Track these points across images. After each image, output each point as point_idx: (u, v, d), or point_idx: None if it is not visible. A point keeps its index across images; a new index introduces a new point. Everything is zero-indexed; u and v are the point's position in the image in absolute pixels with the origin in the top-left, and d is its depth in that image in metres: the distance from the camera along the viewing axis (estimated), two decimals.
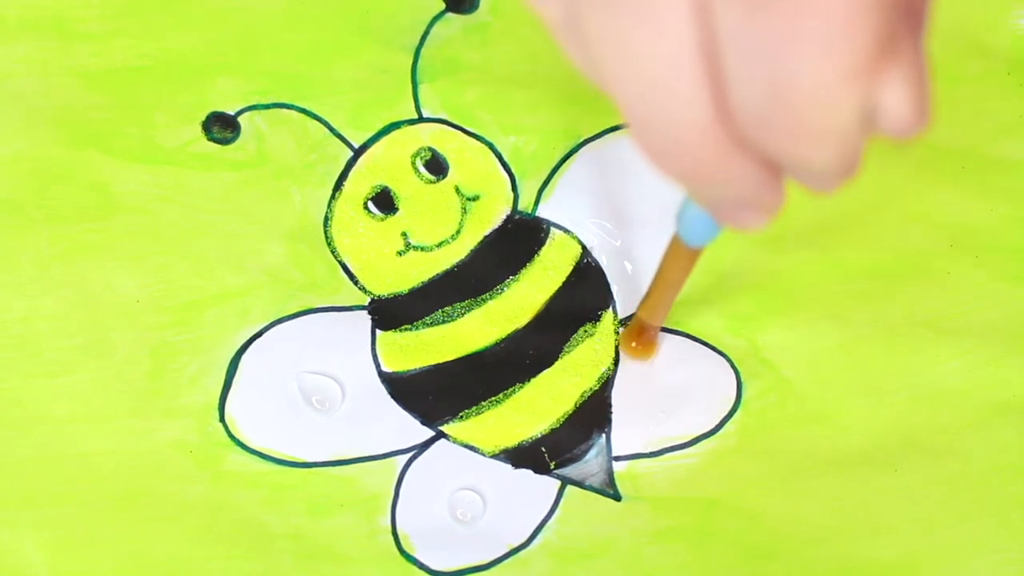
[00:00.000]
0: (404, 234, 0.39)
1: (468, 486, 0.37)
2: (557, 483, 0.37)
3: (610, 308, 0.39)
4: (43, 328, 0.37)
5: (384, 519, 0.36)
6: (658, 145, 0.21)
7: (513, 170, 0.40)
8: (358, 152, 0.40)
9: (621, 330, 0.38)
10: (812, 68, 0.19)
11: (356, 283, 0.39)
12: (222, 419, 0.37)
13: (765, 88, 0.19)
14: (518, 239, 0.39)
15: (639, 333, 0.37)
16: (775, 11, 0.18)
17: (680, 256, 0.33)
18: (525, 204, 0.40)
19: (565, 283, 0.39)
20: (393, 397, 0.38)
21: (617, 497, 0.37)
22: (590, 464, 0.37)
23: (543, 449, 0.37)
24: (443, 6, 0.41)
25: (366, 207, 0.39)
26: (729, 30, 0.19)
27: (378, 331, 0.38)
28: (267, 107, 0.40)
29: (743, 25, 0.19)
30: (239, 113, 0.40)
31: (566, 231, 0.39)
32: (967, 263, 0.39)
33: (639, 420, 0.38)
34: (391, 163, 0.39)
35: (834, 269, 0.39)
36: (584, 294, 0.39)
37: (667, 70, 0.20)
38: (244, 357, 0.38)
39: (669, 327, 0.39)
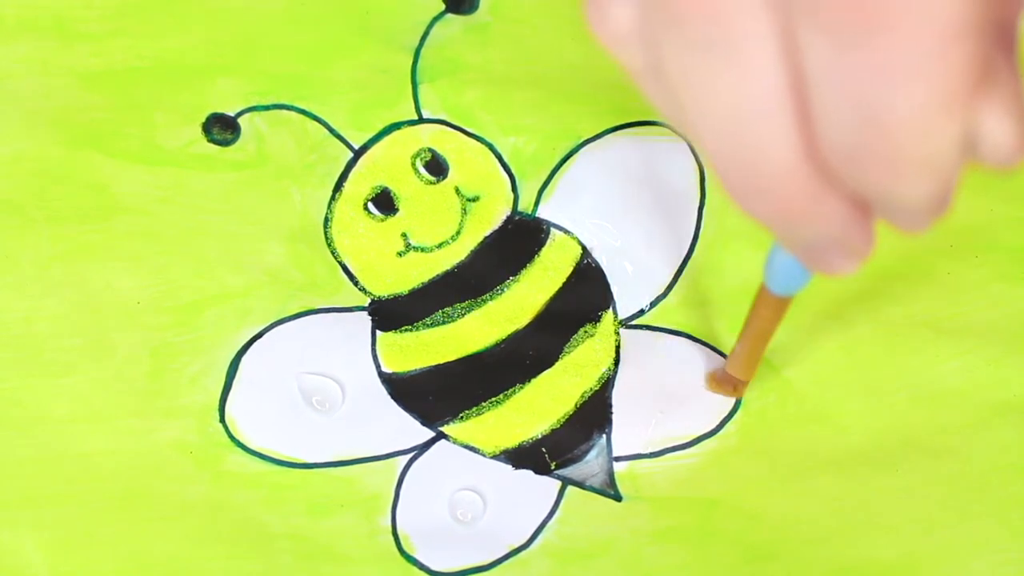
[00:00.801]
0: (404, 235, 0.39)
1: (468, 486, 0.37)
2: (557, 483, 0.37)
3: (610, 308, 0.39)
4: (43, 328, 0.37)
5: (384, 519, 0.36)
6: (747, 187, 0.21)
7: (513, 171, 0.40)
8: (358, 153, 0.40)
9: (707, 373, 0.38)
10: (908, 97, 0.18)
11: (356, 284, 0.39)
12: (222, 419, 0.37)
13: (857, 121, 0.19)
14: (518, 240, 0.39)
15: (729, 385, 0.37)
16: (866, 46, 0.18)
17: (768, 306, 0.33)
18: (525, 205, 0.40)
19: (565, 284, 0.39)
20: (393, 398, 0.38)
21: (617, 497, 0.37)
22: (590, 464, 0.37)
23: (543, 449, 0.37)
24: (443, 6, 0.41)
25: (366, 208, 0.39)
26: (818, 67, 0.19)
27: (378, 332, 0.38)
28: (267, 108, 0.40)
29: (833, 62, 0.18)
30: (239, 114, 0.40)
31: (566, 232, 0.39)
32: (967, 263, 0.39)
33: (639, 420, 0.38)
34: (391, 164, 0.39)
35: None
36: (584, 295, 0.39)
37: (755, 112, 0.20)
38: (244, 358, 0.38)
39: (669, 328, 0.39)
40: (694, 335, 0.39)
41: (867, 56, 0.18)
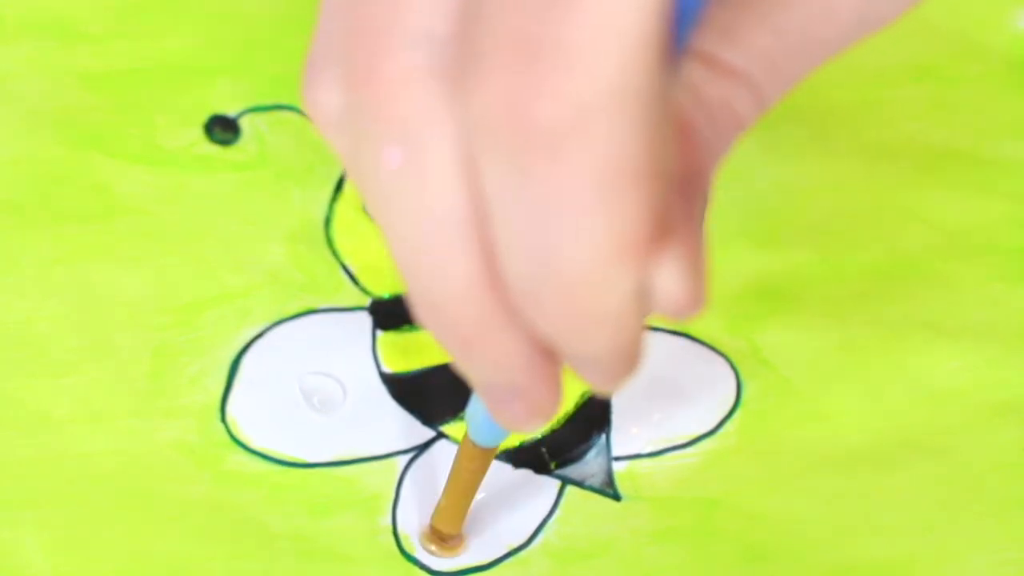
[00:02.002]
0: None
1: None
2: (557, 483, 0.37)
3: None
4: (45, 329, 0.37)
5: (385, 519, 0.36)
6: (421, 303, 0.20)
7: None
8: None
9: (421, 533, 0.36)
10: (576, 242, 0.17)
11: (357, 284, 0.39)
12: (223, 419, 0.37)
13: (532, 261, 0.18)
14: None
15: (440, 540, 0.35)
16: (538, 174, 0.17)
17: (472, 458, 0.32)
18: None
19: None
20: (394, 397, 0.38)
21: (617, 497, 0.37)
22: (590, 464, 0.37)
23: (543, 449, 0.37)
24: None
25: (366, 208, 0.39)
26: (496, 190, 0.18)
27: (379, 331, 0.38)
28: (268, 109, 0.40)
29: (509, 186, 0.18)
30: (240, 115, 0.40)
31: None
32: (967, 263, 0.39)
33: (639, 420, 0.38)
34: None
35: (834, 269, 0.39)
36: None
37: (432, 229, 0.19)
38: (245, 358, 0.38)
39: (669, 328, 0.39)
40: (694, 335, 0.39)
41: (538, 186, 0.17)
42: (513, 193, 0.18)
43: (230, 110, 0.40)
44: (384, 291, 0.39)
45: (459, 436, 0.37)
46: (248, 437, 0.37)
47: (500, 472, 0.37)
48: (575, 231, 0.17)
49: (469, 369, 0.22)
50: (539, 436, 0.37)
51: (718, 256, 0.39)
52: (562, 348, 0.20)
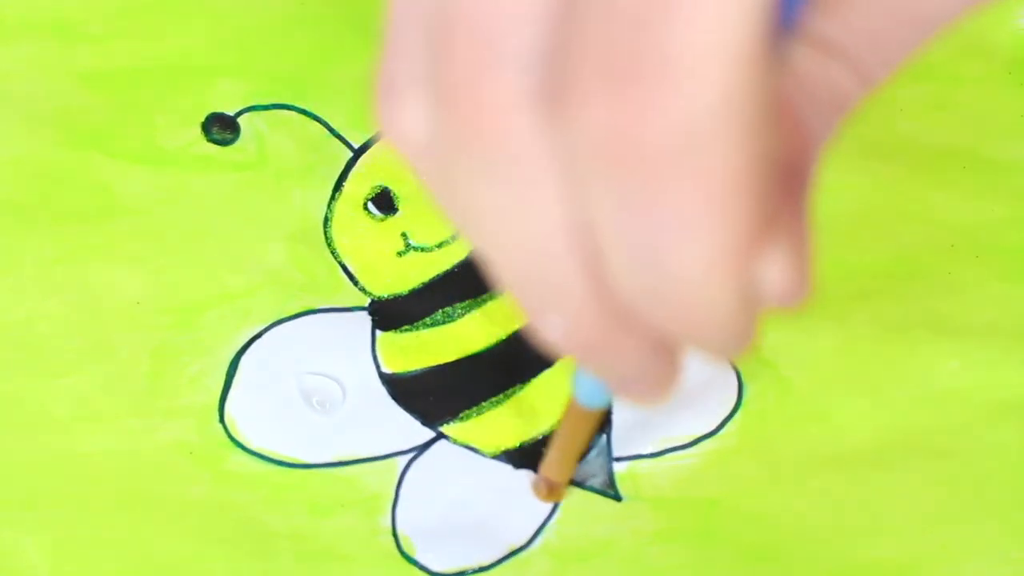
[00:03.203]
0: (404, 234, 0.39)
1: (467, 486, 0.37)
2: None
3: None
4: (45, 329, 0.37)
5: (384, 520, 0.36)
6: (539, 320, 0.20)
7: None
8: (358, 153, 0.40)
9: (533, 482, 0.37)
10: (688, 256, 0.17)
11: (356, 284, 0.39)
12: (222, 420, 0.37)
13: (645, 275, 0.18)
14: None
15: (548, 488, 0.36)
16: (646, 196, 0.17)
17: (579, 417, 0.33)
18: None
19: None
20: (393, 398, 0.38)
21: (618, 498, 0.37)
22: (590, 465, 0.37)
23: (543, 450, 0.37)
24: None
25: (366, 208, 0.39)
26: (603, 213, 0.17)
27: (378, 332, 0.38)
28: (267, 108, 0.40)
29: (616, 208, 0.17)
30: (239, 114, 0.40)
31: None
32: (967, 263, 0.39)
33: (639, 421, 0.38)
34: (391, 164, 0.39)
35: (834, 269, 0.39)
36: None
37: (539, 251, 0.19)
38: (244, 358, 0.38)
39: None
40: None
41: (647, 212, 0.17)
42: (621, 215, 0.17)
43: (229, 109, 0.40)
44: (384, 291, 0.39)
45: (459, 436, 0.37)
46: (247, 437, 0.37)
47: (500, 472, 0.37)
48: (686, 246, 0.17)
49: (594, 368, 0.22)
50: (539, 436, 0.37)
51: None
52: (679, 342, 0.20)
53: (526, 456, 0.37)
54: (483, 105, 0.17)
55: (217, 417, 0.37)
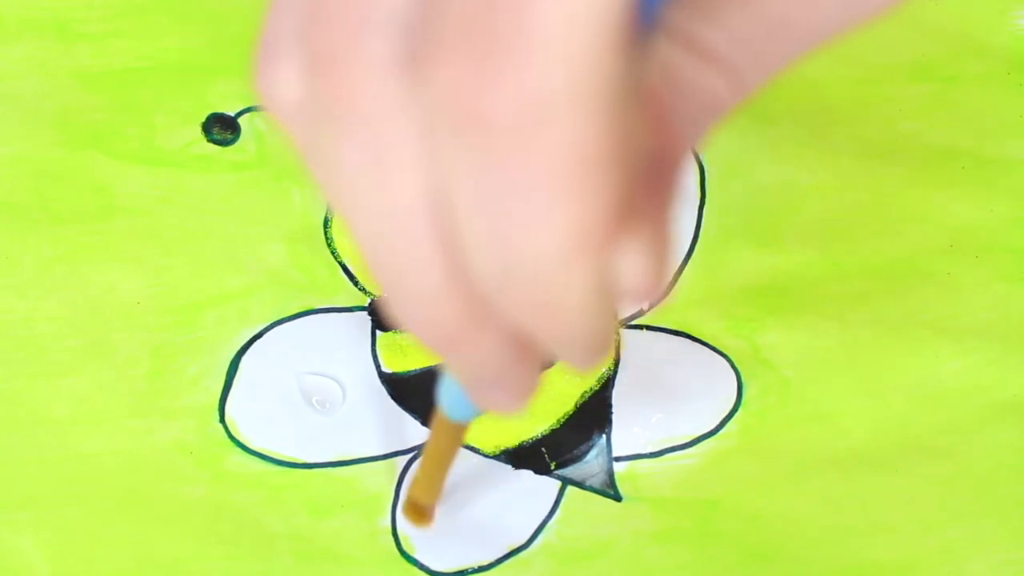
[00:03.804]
0: None
1: (467, 486, 0.37)
2: (557, 484, 0.37)
3: None
4: (44, 329, 0.37)
5: (384, 520, 0.36)
6: (394, 301, 0.20)
7: None
8: None
9: (401, 503, 0.36)
10: (539, 234, 0.17)
11: (356, 284, 0.39)
12: (222, 420, 0.37)
13: (496, 252, 0.18)
14: None
15: (416, 511, 0.36)
16: (496, 167, 0.17)
17: (445, 431, 0.32)
18: None
19: None
20: (393, 398, 0.38)
21: (618, 498, 0.37)
22: (590, 464, 0.37)
23: (543, 449, 0.37)
24: None
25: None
26: (456, 183, 0.17)
27: (378, 332, 0.38)
28: None
29: (468, 178, 0.17)
30: (239, 114, 0.40)
31: None
32: (967, 263, 0.39)
33: (639, 420, 0.38)
34: None
35: (834, 269, 0.39)
36: None
37: (393, 223, 0.19)
38: (244, 358, 0.38)
39: (669, 328, 0.39)
40: (694, 335, 0.39)
41: (498, 184, 0.17)
42: (473, 185, 0.17)
43: (229, 109, 0.40)
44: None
45: None
46: (247, 437, 0.37)
47: (500, 472, 0.37)
48: (537, 223, 0.17)
49: (450, 363, 0.22)
50: (539, 436, 0.37)
51: (718, 256, 0.39)
52: (535, 336, 0.20)
53: (526, 456, 0.37)
54: (349, 67, 0.18)
55: (217, 417, 0.37)
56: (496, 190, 0.17)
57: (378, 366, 0.38)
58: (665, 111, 0.21)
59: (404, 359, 0.38)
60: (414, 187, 0.18)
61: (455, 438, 0.33)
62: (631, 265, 0.18)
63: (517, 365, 0.21)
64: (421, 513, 0.36)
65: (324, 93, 0.18)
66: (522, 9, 0.16)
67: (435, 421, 0.32)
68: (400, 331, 0.38)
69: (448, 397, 0.29)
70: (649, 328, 0.38)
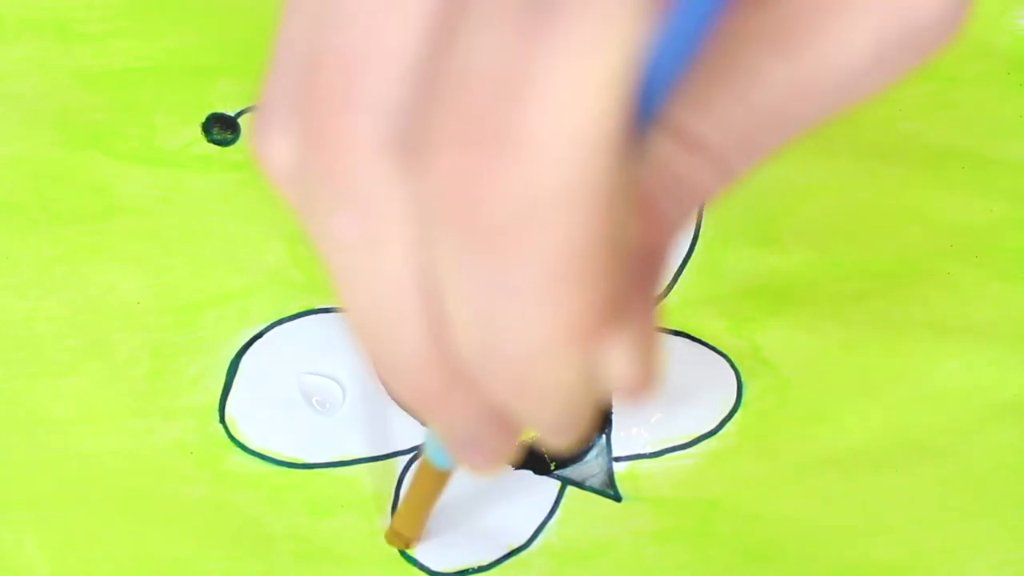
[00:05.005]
0: None
1: (467, 486, 0.37)
2: (557, 484, 0.37)
3: None
4: (44, 329, 0.37)
5: (384, 520, 0.36)
6: (377, 366, 0.20)
7: None
8: None
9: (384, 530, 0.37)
10: (524, 328, 0.17)
11: None
12: (222, 420, 0.37)
13: (482, 337, 0.18)
14: None
15: (399, 540, 0.36)
16: (486, 260, 0.17)
17: (428, 475, 0.33)
18: None
19: None
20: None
21: (617, 498, 0.37)
22: (590, 465, 0.37)
23: (543, 450, 0.37)
24: None
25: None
26: (446, 269, 0.18)
27: None
28: None
29: (458, 267, 0.17)
30: (239, 114, 0.40)
31: None
32: (967, 263, 0.39)
33: (639, 421, 0.38)
34: None
35: (834, 269, 0.39)
36: None
37: (380, 296, 0.19)
38: (245, 358, 0.38)
39: (669, 327, 0.39)
40: (694, 335, 0.39)
41: (487, 276, 0.17)
42: (461, 275, 0.17)
43: (229, 109, 0.40)
44: None
45: None
46: (247, 437, 0.37)
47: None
48: (523, 317, 0.17)
49: (427, 422, 0.22)
50: (539, 436, 0.37)
51: (718, 256, 0.39)
52: (512, 411, 0.20)
53: (526, 456, 0.37)
54: (339, 145, 0.18)
55: (217, 417, 0.37)
56: (484, 282, 0.17)
57: None
58: (650, 204, 0.21)
59: None
60: (402, 264, 0.18)
61: (439, 482, 0.33)
62: (618, 362, 0.18)
63: (493, 432, 0.21)
64: (404, 542, 0.36)
65: (316, 165, 0.18)
66: (519, 107, 0.16)
67: (420, 466, 0.33)
68: None
69: (431, 446, 0.30)
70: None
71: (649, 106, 0.17)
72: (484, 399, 0.20)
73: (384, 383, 0.20)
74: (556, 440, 0.21)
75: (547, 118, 0.15)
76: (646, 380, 0.19)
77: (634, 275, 0.19)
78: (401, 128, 0.17)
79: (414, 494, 0.34)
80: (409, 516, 0.35)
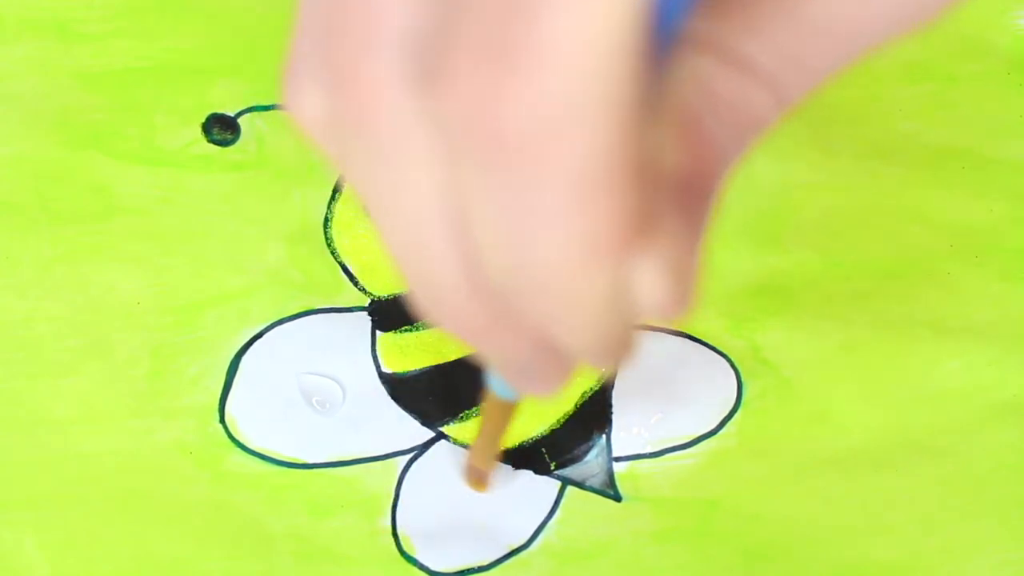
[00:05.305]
0: None
1: (466, 485, 0.37)
2: (557, 484, 0.37)
3: None
4: (44, 329, 0.37)
5: (384, 520, 0.36)
6: (423, 300, 0.20)
7: None
8: None
9: (462, 470, 0.37)
10: (549, 243, 0.17)
11: (356, 284, 0.39)
12: (222, 420, 0.37)
13: (510, 257, 0.18)
14: None
15: (476, 477, 0.37)
16: (508, 177, 0.17)
17: (495, 406, 0.33)
18: None
19: None
20: (393, 398, 0.38)
21: (617, 498, 0.37)
22: (590, 465, 0.37)
23: (543, 450, 0.37)
24: None
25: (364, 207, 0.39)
26: (471, 191, 0.18)
27: (378, 332, 0.38)
28: (267, 108, 0.40)
29: (482, 187, 0.17)
30: (239, 114, 0.40)
31: None
32: (967, 263, 0.39)
33: (639, 421, 0.38)
34: None
35: (834, 269, 0.39)
36: None
37: (416, 232, 0.19)
38: (244, 358, 0.38)
39: (669, 328, 0.39)
40: (694, 335, 0.39)
41: (510, 193, 0.17)
42: (486, 194, 0.17)
43: (229, 109, 0.40)
44: (383, 291, 0.39)
45: (459, 436, 0.37)
46: (247, 437, 0.37)
47: (500, 472, 0.37)
48: (548, 232, 0.17)
49: (481, 355, 0.22)
50: (539, 436, 0.37)
51: (718, 256, 0.39)
52: (553, 339, 0.20)
53: (526, 456, 0.37)
54: (362, 86, 0.18)
55: (217, 417, 0.37)
56: (507, 199, 0.17)
57: (378, 366, 0.38)
58: (702, 128, 0.20)
59: (404, 359, 0.38)
60: (433, 198, 0.18)
61: (506, 412, 0.33)
62: (648, 280, 0.18)
63: (546, 359, 0.21)
64: (480, 479, 0.37)
65: (344, 111, 0.19)
66: (533, 21, 0.16)
67: (487, 399, 0.33)
68: (402, 331, 0.38)
69: (494, 379, 0.29)
70: (649, 328, 0.38)
71: (668, 18, 0.17)
72: (525, 329, 0.20)
73: (431, 317, 0.20)
74: (600, 365, 0.21)
75: (560, 28, 0.15)
76: (678, 301, 0.19)
77: (677, 197, 0.19)
78: (420, 60, 0.17)
79: (485, 428, 0.34)
80: (483, 450, 0.36)
